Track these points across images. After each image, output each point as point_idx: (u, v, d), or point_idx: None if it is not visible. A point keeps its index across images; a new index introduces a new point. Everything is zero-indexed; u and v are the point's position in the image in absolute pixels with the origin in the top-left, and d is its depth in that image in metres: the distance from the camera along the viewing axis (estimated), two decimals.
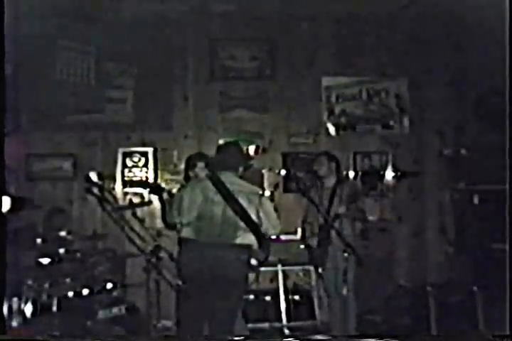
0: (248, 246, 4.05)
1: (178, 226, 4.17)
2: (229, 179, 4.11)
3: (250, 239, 4.04)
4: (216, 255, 3.93)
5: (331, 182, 4.97)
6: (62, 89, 5.89)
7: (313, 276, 5.58)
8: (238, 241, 4.01)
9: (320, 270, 4.85)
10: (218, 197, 4.02)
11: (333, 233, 4.63)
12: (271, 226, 4.10)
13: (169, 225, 4.46)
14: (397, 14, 6.08)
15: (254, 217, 4.03)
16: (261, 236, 4.04)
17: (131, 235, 4.58)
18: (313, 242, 4.89)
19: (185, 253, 4.07)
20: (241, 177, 4.23)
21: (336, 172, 5.02)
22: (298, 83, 6.21)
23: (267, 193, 4.51)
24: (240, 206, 4.00)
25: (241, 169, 4.25)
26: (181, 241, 4.13)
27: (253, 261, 4.13)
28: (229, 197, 4.01)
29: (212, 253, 3.93)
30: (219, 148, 4.50)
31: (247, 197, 4.05)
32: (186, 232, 4.07)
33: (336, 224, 4.67)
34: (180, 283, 4.04)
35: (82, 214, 5.85)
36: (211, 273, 3.91)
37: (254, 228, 4.02)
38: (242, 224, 4.01)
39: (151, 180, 5.94)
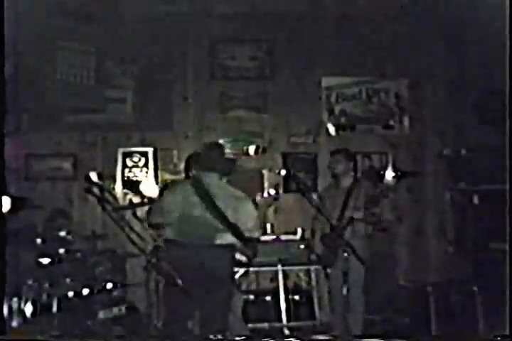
0: (230, 245, 4.03)
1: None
2: (212, 181, 4.12)
3: (230, 239, 4.02)
4: (197, 256, 3.93)
5: (346, 181, 4.87)
6: (62, 89, 5.89)
7: (313, 276, 5.59)
8: (218, 241, 4.00)
9: (328, 270, 4.79)
10: (197, 199, 4.03)
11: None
12: (248, 229, 4.07)
13: (152, 225, 4.48)
14: (397, 14, 6.09)
15: (232, 219, 4.01)
16: (242, 238, 4.01)
17: (131, 235, 4.58)
18: (323, 242, 4.80)
19: (168, 254, 4.08)
20: (229, 180, 4.24)
21: (353, 171, 4.89)
22: (298, 83, 6.21)
23: (272, 191, 4.48)
24: (217, 208, 3.99)
25: (226, 171, 4.25)
26: (165, 242, 4.15)
27: (242, 258, 4.14)
28: (207, 199, 4.01)
29: (193, 253, 3.94)
30: (203, 148, 4.50)
31: (226, 200, 4.04)
32: (168, 233, 4.10)
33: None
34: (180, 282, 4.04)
35: (82, 214, 5.85)
36: (194, 273, 3.90)
37: (233, 230, 4.00)
38: (220, 225, 4.00)
39: (151, 180, 5.94)
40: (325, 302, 5.44)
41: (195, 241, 3.97)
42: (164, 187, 4.67)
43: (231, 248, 4.05)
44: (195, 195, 4.04)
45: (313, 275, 5.62)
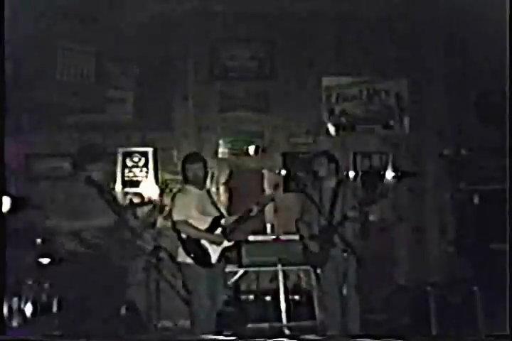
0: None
1: None
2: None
3: None
4: None
5: (330, 183, 4.88)
6: (62, 89, 5.89)
7: (313, 276, 5.58)
8: None
9: (320, 270, 4.80)
10: None
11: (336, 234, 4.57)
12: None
13: None
14: (397, 14, 6.09)
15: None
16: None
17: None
18: (315, 243, 4.79)
19: None
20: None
21: (335, 173, 4.90)
22: (298, 83, 6.21)
23: (268, 191, 4.45)
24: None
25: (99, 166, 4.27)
26: None
27: None
28: None
29: None
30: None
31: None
32: None
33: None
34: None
35: None
36: None
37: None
38: None
39: (151, 180, 5.93)
40: (325, 303, 5.44)
41: None
42: None
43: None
44: None
45: (313, 275, 5.61)
